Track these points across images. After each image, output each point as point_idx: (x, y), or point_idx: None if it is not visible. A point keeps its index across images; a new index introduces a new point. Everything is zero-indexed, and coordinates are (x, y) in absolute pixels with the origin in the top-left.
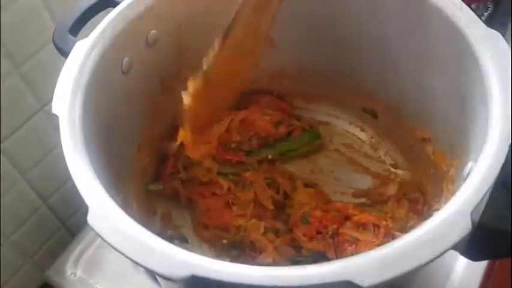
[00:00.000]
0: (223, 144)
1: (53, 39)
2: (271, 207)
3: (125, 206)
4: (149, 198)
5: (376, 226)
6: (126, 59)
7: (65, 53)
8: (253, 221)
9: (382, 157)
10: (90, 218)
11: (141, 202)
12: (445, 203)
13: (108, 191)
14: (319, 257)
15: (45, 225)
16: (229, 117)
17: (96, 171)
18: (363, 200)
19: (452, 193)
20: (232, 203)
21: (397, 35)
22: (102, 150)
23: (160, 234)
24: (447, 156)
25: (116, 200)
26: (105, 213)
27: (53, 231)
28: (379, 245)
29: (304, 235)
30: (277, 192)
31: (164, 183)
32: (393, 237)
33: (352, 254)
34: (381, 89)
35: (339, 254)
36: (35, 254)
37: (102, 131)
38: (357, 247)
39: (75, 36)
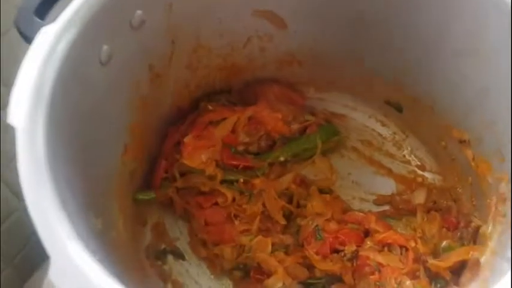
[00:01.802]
0: (229, 147)
1: (15, 23)
2: (283, 221)
3: (107, 230)
4: (139, 207)
5: (404, 247)
6: (105, 47)
7: (30, 40)
8: (260, 238)
9: (407, 157)
10: (52, 274)
11: (128, 214)
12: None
13: (82, 218)
14: (334, 279)
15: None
16: (235, 115)
17: (65, 194)
18: (386, 207)
19: (504, 215)
20: (234, 215)
21: (436, 16)
22: (76, 162)
23: (153, 248)
24: (494, 166)
25: (91, 231)
26: (71, 268)
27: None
28: (408, 273)
29: (317, 253)
30: (290, 201)
31: (156, 192)
32: (424, 264)
33: (375, 284)
34: (410, 77)
35: (358, 278)
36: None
37: (76, 137)
38: (381, 275)
39: (42, 19)
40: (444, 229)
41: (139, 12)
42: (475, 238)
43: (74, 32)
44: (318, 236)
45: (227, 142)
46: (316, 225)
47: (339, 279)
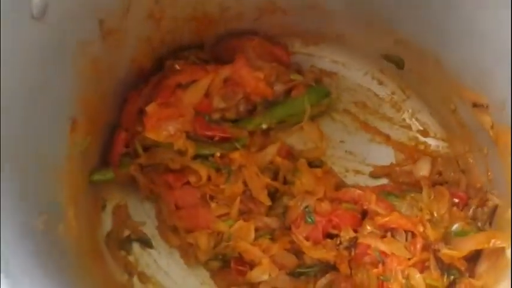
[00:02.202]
0: (202, 115)
1: None
2: (268, 202)
3: (52, 226)
4: (95, 190)
5: (410, 232)
6: None
7: None
8: (241, 223)
9: (407, 121)
10: None
11: (81, 200)
12: None
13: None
14: (328, 268)
15: None
16: (208, 76)
17: None
18: (384, 181)
19: None
20: (210, 197)
21: None
22: (9, 146)
23: (115, 235)
24: None
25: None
26: None
27: None
28: (416, 263)
29: (308, 238)
30: (275, 177)
31: (115, 171)
32: (435, 253)
33: (378, 278)
34: (413, 25)
35: (356, 268)
36: None
37: (8, 114)
38: (385, 266)
39: None
40: (454, 208)
41: None
42: (491, 219)
43: None
44: (308, 218)
45: (199, 109)
46: (306, 206)
47: (333, 267)
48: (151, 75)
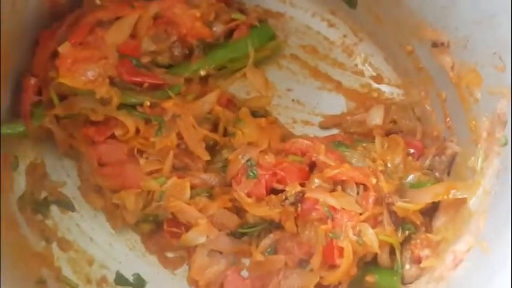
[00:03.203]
0: (128, 59)
1: None
2: (206, 157)
3: None
4: (5, 146)
5: (362, 185)
6: None
7: None
8: (174, 181)
9: (360, 66)
10: None
11: None
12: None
13: None
14: (272, 226)
15: None
16: (134, 12)
17: None
18: (335, 131)
19: (503, 144)
20: (139, 151)
21: None
22: None
23: (29, 198)
24: (487, 77)
25: None
26: None
27: None
28: (368, 219)
29: (249, 195)
30: (214, 129)
31: (27, 123)
32: (389, 207)
33: (327, 235)
34: None
35: (302, 226)
36: None
37: None
38: (335, 222)
39: None
40: (410, 157)
41: None
42: (450, 169)
43: None
44: (250, 173)
45: (125, 52)
46: (248, 160)
47: (278, 226)
48: (68, 12)
